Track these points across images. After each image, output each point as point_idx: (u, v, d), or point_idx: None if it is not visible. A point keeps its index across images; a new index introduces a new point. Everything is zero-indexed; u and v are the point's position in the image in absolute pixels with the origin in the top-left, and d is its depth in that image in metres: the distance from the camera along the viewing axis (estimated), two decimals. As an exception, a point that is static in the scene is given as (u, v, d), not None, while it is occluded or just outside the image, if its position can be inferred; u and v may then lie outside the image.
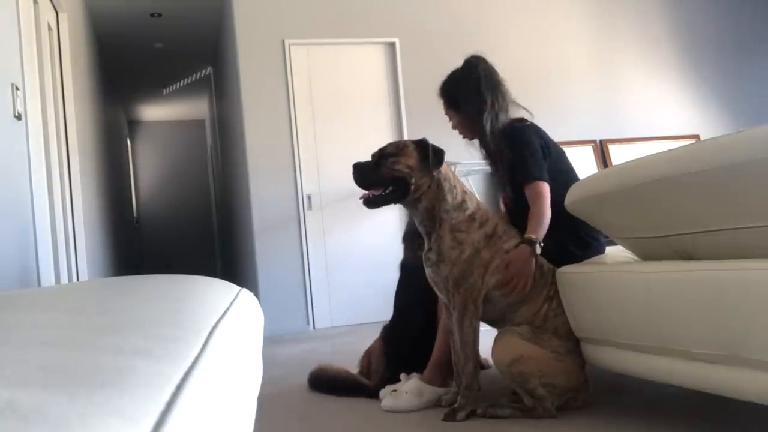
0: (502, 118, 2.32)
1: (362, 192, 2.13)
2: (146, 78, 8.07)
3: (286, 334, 4.40)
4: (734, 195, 1.45)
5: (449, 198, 2.08)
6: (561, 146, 2.45)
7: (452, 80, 2.42)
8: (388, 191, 2.08)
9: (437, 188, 2.08)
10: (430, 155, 2.07)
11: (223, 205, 8.16)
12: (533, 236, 2.10)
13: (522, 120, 2.38)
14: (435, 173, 2.08)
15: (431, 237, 2.10)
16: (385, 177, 2.07)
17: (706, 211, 1.53)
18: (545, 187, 2.21)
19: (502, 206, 2.83)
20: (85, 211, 4.00)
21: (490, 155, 2.39)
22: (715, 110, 5.63)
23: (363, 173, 2.10)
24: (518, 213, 2.27)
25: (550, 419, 1.93)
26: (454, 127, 2.49)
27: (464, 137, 2.48)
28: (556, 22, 5.36)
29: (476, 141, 2.44)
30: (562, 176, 2.27)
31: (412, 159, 2.07)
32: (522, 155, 2.25)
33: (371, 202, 2.10)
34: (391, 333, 2.54)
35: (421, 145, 2.10)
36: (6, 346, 0.52)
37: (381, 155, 2.10)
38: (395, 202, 2.12)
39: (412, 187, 2.06)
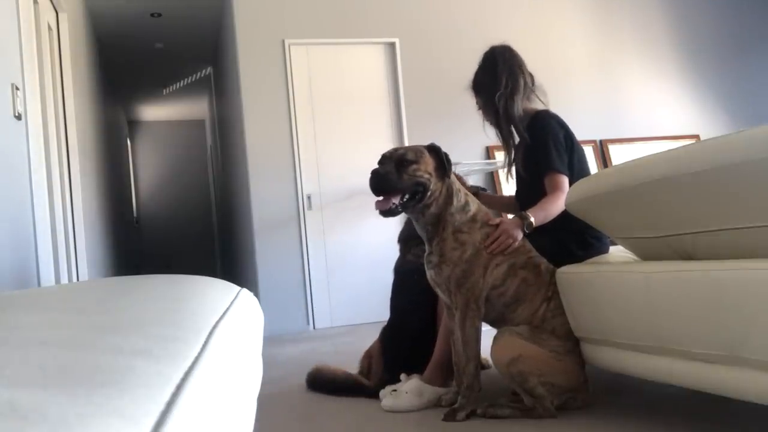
0: (518, 101, 2.34)
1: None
2: (146, 78, 8.07)
3: (286, 334, 4.40)
4: (734, 195, 1.45)
5: (454, 201, 2.08)
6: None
7: (477, 69, 2.48)
8: (405, 199, 2.03)
9: (446, 193, 2.07)
10: (445, 161, 2.06)
11: (223, 205, 8.16)
12: (530, 215, 2.13)
13: (548, 111, 2.40)
14: (447, 179, 2.07)
15: (433, 241, 2.09)
16: (406, 184, 2.02)
17: (706, 211, 1.53)
18: (565, 181, 2.23)
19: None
20: (85, 211, 4.00)
21: (503, 137, 2.40)
22: (715, 110, 5.63)
23: (384, 181, 2.01)
24: (527, 203, 2.29)
25: (549, 419, 1.93)
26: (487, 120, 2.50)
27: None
28: (555, 22, 5.36)
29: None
30: (577, 178, 2.28)
31: (430, 165, 2.05)
32: (546, 144, 2.26)
33: (391, 212, 2.02)
34: (388, 335, 2.54)
35: (435, 151, 2.08)
36: (6, 346, 0.52)
37: (401, 161, 2.03)
38: (410, 209, 2.08)
39: (429, 194, 2.04)
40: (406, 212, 2.10)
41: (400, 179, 2.01)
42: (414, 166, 2.02)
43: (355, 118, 4.83)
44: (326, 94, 4.80)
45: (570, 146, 2.32)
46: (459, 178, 2.36)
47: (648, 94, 5.51)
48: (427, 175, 2.03)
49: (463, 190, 2.13)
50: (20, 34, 2.51)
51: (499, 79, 2.35)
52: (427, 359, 2.30)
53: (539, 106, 2.42)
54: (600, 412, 1.98)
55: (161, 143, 10.47)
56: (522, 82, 2.36)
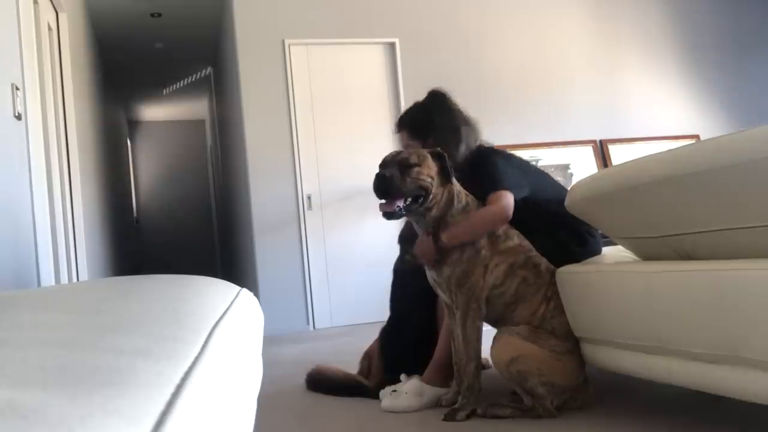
0: (471, 143, 2.34)
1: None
2: (146, 78, 8.07)
3: (286, 334, 4.39)
4: (734, 195, 1.45)
5: (455, 203, 2.08)
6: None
7: (420, 110, 2.43)
8: (408, 202, 2.03)
9: (448, 196, 2.07)
10: (448, 167, 2.05)
11: (223, 205, 8.16)
12: (444, 237, 2.04)
13: (480, 145, 2.40)
14: (449, 184, 2.06)
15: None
16: (409, 188, 2.01)
17: (706, 211, 1.53)
18: (509, 196, 2.12)
19: None
20: (85, 211, 3.99)
21: (464, 176, 2.33)
22: (715, 110, 5.63)
23: (389, 184, 2.00)
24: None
25: (549, 419, 1.93)
26: None
27: None
28: (556, 22, 5.36)
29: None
30: (543, 185, 2.31)
31: (432, 169, 2.04)
32: (487, 173, 2.22)
33: (394, 215, 2.02)
34: (386, 337, 2.54)
35: (438, 156, 2.07)
36: (6, 346, 0.52)
37: (404, 164, 2.03)
38: (412, 212, 2.08)
39: (431, 197, 2.04)
40: (408, 216, 2.10)
41: (403, 182, 2.00)
42: (417, 169, 2.02)
43: (355, 118, 4.83)
44: (326, 94, 4.79)
45: (524, 169, 2.32)
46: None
47: (648, 94, 5.51)
48: (429, 179, 2.03)
49: (463, 191, 2.13)
50: (20, 34, 2.51)
51: (455, 123, 2.33)
52: (427, 360, 2.30)
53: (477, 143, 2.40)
54: (600, 412, 1.98)
55: (161, 143, 10.47)
56: (476, 127, 2.37)
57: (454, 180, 2.13)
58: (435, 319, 2.43)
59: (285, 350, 3.72)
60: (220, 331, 0.67)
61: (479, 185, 2.19)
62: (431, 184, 2.03)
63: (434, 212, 2.07)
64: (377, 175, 2.03)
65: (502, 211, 2.08)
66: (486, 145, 2.41)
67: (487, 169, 2.23)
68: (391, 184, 2.00)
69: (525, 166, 2.40)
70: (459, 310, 2.04)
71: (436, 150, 2.10)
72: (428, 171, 2.04)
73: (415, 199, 2.03)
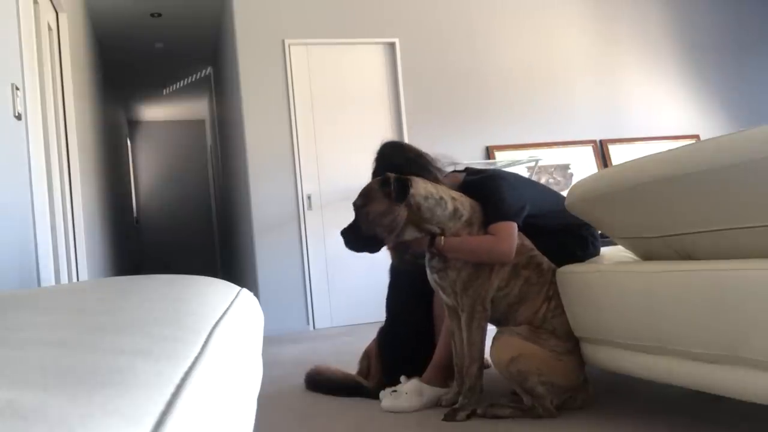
0: (444, 173, 2.27)
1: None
2: (146, 78, 8.07)
3: (286, 334, 4.39)
4: (734, 195, 1.45)
5: (439, 211, 2.03)
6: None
7: (379, 169, 2.30)
8: (376, 240, 2.07)
9: (418, 210, 2.02)
10: (393, 188, 2.00)
11: (223, 205, 8.16)
12: (442, 242, 2.03)
13: (464, 170, 2.37)
14: (410, 199, 2.01)
15: (432, 247, 2.09)
16: (371, 233, 2.04)
17: (706, 211, 1.53)
18: (514, 233, 2.07)
19: None
20: (85, 211, 3.99)
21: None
22: (715, 110, 5.63)
23: (350, 237, 2.08)
24: None
25: (550, 418, 1.93)
26: None
27: None
28: (556, 22, 5.36)
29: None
30: (541, 198, 2.29)
31: (381, 204, 2.02)
32: (494, 201, 2.14)
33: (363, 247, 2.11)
34: (383, 339, 2.54)
35: (385, 183, 2.03)
36: (6, 347, 0.52)
37: (356, 211, 2.07)
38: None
39: (390, 230, 2.03)
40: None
41: (365, 229, 2.05)
42: (365, 211, 2.05)
43: (355, 118, 4.83)
44: (326, 94, 4.79)
45: (515, 185, 2.25)
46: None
47: (648, 94, 5.51)
48: (381, 217, 2.01)
49: (447, 195, 2.07)
50: (20, 34, 2.51)
51: (409, 165, 2.21)
52: (425, 360, 2.30)
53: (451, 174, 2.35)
54: (600, 412, 1.98)
55: (161, 143, 10.47)
56: (437, 162, 2.29)
57: (435, 186, 2.07)
58: (432, 319, 2.42)
59: (285, 350, 3.72)
60: (220, 331, 0.67)
61: (483, 210, 2.14)
62: (387, 223, 2.02)
63: (408, 232, 2.05)
64: (341, 234, 2.10)
65: (505, 255, 2.03)
66: (476, 169, 2.37)
67: (492, 197, 2.13)
68: (351, 237, 2.07)
69: (522, 185, 2.33)
70: (464, 313, 2.04)
71: (383, 177, 2.05)
72: (377, 207, 2.02)
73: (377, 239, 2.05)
